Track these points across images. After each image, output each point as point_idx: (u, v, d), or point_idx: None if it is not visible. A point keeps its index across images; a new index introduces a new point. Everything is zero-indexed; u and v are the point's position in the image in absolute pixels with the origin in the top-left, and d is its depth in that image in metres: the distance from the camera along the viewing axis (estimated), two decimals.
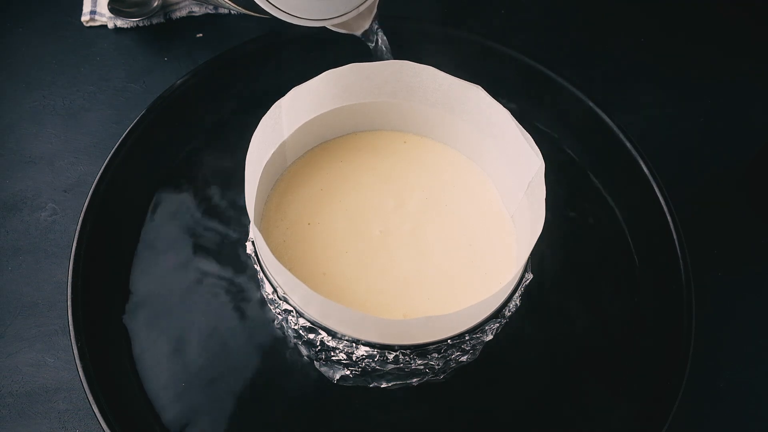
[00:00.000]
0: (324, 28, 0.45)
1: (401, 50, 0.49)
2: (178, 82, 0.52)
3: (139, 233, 0.49)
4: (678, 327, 0.48)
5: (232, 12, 0.59)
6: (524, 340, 0.47)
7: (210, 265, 0.49)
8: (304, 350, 0.44)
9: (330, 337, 0.38)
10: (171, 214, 0.50)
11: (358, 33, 0.46)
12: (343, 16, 0.43)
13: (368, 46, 0.48)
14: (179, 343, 0.46)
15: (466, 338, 0.39)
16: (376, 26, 0.47)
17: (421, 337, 0.38)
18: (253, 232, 0.39)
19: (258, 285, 0.47)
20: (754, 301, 0.52)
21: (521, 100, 0.55)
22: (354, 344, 0.38)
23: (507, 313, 0.40)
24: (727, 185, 0.56)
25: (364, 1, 0.44)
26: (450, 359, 0.40)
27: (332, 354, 0.39)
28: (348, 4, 0.43)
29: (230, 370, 0.46)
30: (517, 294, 0.40)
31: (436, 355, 0.39)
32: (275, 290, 0.39)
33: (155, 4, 0.58)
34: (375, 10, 0.46)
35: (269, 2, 0.40)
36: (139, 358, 0.46)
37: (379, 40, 0.48)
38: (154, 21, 0.59)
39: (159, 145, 0.51)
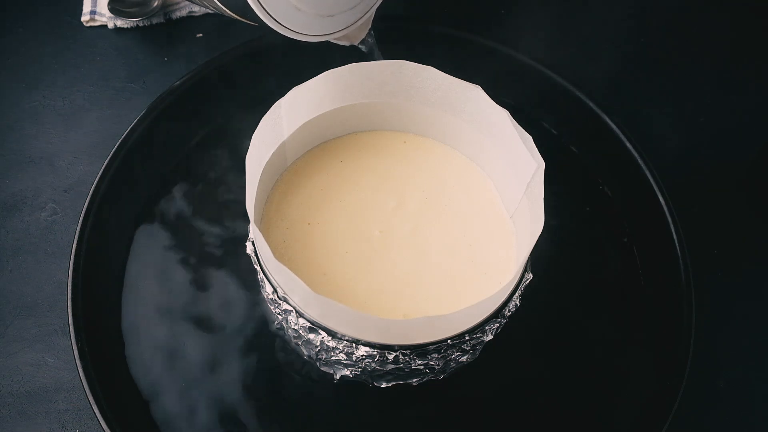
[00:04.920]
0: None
1: (401, 50, 0.49)
2: (178, 82, 0.52)
3: (139, 233, 0.49)
4: (678, 327, 0.48)
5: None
6: (524, 340, 0.47)
7: (210, 265, 0.49)
8: (304, 350, 0.44)
9: (330, 337, 0.38)
10: (171, 214, 0.50)
11: (356, 42, 0.47)
12: (343, 30, 0.44)
13: (362, 51, 0.49)
14: (179, 343, 0.46)
15: (466, 338, 0.39)
16: (370, 34, 0.48)
17: (421, 337, 0.38)
18: (253, 232, 0.39)
19: (258, 285, 0.47)
20: (753, 301, 0.52)
21: (521, 100, 0.55)
22: (354, 344, 0.38)
23: (507, 313, 0.40)
24: (727, 185, 0.56)
25: (363, 15, 0.45)
26: (450, 359, 0.40)
27: (332, 354, 0.39)
28: (348, 19, 0.44)
29: (230, 370, 0.46)
30: (517, 294, 0.40)
31: (436, 355, 0.39)
32: (275, 290, 0.39)
33: (155, 4, 0.58)
34: (371, 22, 0.47)
35: (278, 22, 0.41)
36: (139, 358, 0.46)
37: (372, 45, 0.48)
38: (154, 21, 0.59)
39: (159, 145, 0.51)
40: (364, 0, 0.45)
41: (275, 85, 0.47)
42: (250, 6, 0.40)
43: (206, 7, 0.48)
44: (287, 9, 0.41)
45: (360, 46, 0.48)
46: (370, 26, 0.48)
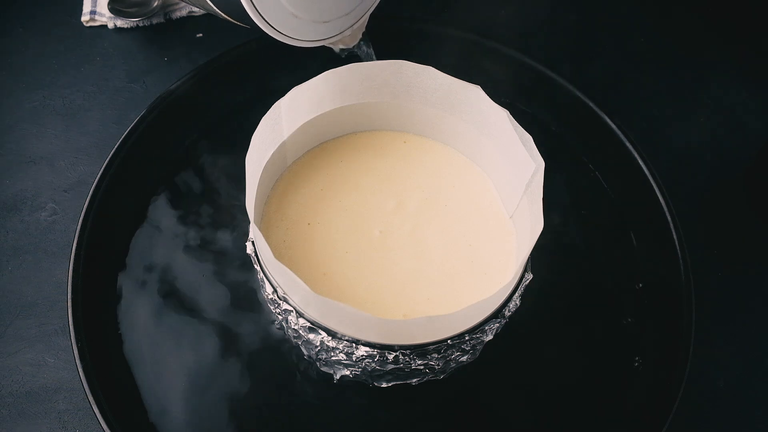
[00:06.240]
0: None
1: (401, 50, 0.49)
2: (178, 82, 0.52)
3: (139, 233, 0.49)
4: (678, 327, 0.48)
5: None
6: (524, 340, 0.47)
7: (210, 265, 0.49)
8: (304, 350, 0.44)
9: (330, 337, 0.38)
10: (171, 214, 0.50)
11: (351, 46, 0.48)
12: (338, 35, 0.45)
13: (357, 54, 0.49)
14: (178, 343, 0.46)
15: (466, 338, 0.39)
16: (364, 37, 0.48)
17: (421, 337, 0.38)
18: (253, 232, 0.39)
19: (258, 285, 0.48)
20: (753, 301, 0.52)
21: (521, 100, 0.55)
22: (354, 344, 0.38)
23: (507, 313, 0.40)
24: (727, 185, 0.56)
25: (358, 21, 0.45)
26: (450, 359, 0.40)
27: (332, 354, 0.39)
28: (344, 24, 0.45)
29: (230, 370, 0.46)
30: (517, 294, 0.40)
31: (436, 355, 0.39)
32: (275, 290, 0.39)
33: (155, 4, 0.58)
34: (365, 26, 0.47)
35: (274, 28, 0.41)
36: (139, 359, 0.46)
37: (367, 48, 0.49)
38: (154, 21, 0.59)
39: (159, 145, 0.51)
40: (359, 5, 0.45)
41: (275, 85, 0.47)
42: (246, 12, 0.40)
43: (203, 9, 0.48)
44: (284, 16, 0.41)
45: (354, 49, 0.48)
46: (364, 29, 0.48)
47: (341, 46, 0.48)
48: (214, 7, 0.44)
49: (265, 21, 0.41)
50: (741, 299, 0.52)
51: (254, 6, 0.40)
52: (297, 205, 0.44)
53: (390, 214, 0.44)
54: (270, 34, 0.42)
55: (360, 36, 0.48)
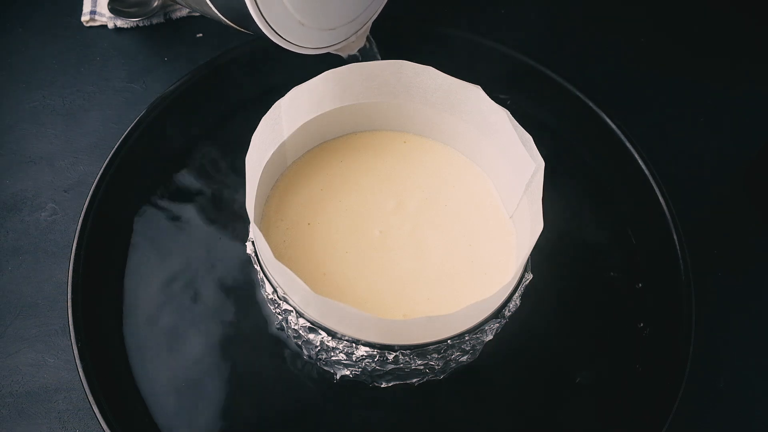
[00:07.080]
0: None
1: (401, 50, 0.49)
2: (178, 82, 0.52)
3: (139, 233, 0.49)
4: (678, 327, 0.48)
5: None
6: (524, 340, 0.47)
7: (209, 265, 0.49)
8: (304, 350, 0.44)
9: (330, 337, 0.38)
10: (171, 214, 0.50)
11: (355, 52, 0.48)
12: (342, 42, 0.45)
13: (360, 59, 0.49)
14: (179, 343, 0.46)
15: (466, 338, 0.39)
16: (369, 41, 0.49)
17: (421, 337, 0.38)
18: (253, 232, 0.39)
19: (258, 285, 0.48)
20: (753, 301, 0.52)
21: (521, 100, 0.55)
22: (354, 344, 0.38)
23: (507, 313, 0.40)
24: (727, 185, 0.56)
25: (361, 28, 0.46)
26: (450, 359, 0.40)
27: (332, 354, 0.39)
28: (348, 31, 0.45)
29: (230, 371, 0.46)
30: (517, 294, 0.40)
31: (436, 355, 0.39)
32: (275, 290, 0.39)
33: (155, 4, 0.58)
34: (368, 31, 0.48)
35: (280, 36, 0.41)
36: (139, 358, 0.46)
37: (371, 52, 0.49)
38: (154, 21, 0.59)
39: (159, 145, 0.51)
40: (364, 11, 0.45)
41: (275, 85, 0.47)
42: (253, 20, 0.40)
43: (206, 15, 0.48)
44: (291, 24, 0.41)
45: (358, 54, 0.49)
46: (367, 34, 0.48)
47: (345, 53, 0.48)
48: (218, 14, 0.44)
49: (272, 29, 0.41)
50: (741, 299, 0.52)
51: (261, 14, 0.40)
52: (297, 205, 0.44)
53: (390, 214, 0.44)
54: (276, 41, 0.42)
55: (364, 41, 0.48)
